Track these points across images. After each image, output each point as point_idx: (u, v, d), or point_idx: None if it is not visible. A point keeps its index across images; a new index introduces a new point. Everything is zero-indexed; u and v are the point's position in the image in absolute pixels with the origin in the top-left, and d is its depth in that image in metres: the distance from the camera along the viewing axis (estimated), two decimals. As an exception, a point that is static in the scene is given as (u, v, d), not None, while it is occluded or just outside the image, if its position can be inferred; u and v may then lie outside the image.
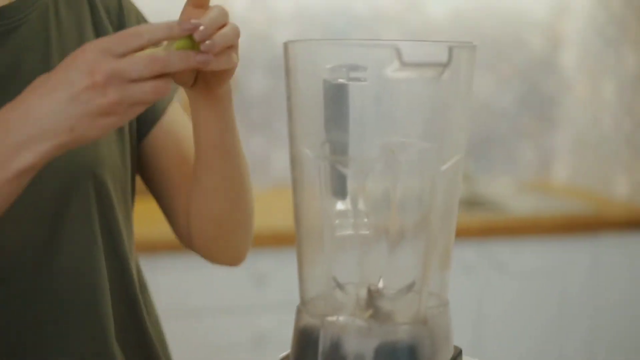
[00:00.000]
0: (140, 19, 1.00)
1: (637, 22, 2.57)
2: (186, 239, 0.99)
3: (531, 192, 2.70)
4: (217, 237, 0.96)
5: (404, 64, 0.64)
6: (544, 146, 2.91)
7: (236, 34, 0.76)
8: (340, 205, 0.76)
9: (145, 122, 0.98)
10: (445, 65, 0.65)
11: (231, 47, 0.76)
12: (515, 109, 2.87)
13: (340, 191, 0.75)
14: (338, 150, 0.73)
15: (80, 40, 0.92)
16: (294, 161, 0.74)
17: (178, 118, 1.00)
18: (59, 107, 0.70)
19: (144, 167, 1.00)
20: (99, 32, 0.95)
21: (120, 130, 0.94)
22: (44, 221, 0.85)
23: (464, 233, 2.31)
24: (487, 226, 2.33)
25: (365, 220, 0.74)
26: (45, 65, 0.89)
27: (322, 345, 0.68)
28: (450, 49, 0.66)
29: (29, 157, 0.71)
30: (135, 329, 0.95)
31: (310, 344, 0.68)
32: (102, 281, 0.89)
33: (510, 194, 2.65)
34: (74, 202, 0.87)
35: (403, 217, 0.73)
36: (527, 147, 2.89)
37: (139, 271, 1.01)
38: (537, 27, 2.84)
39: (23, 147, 0.71)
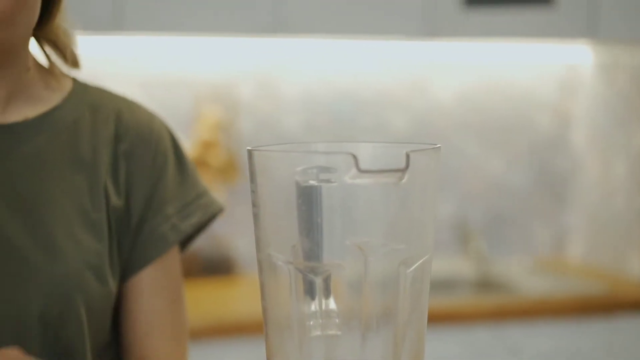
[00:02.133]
0: (169, 174, 0.98)
1: (644, 100, 2.58)
2: None
3: (545, 271, 2.67)
4: None
5: (361, 171, 0.65)
6: (557, 224, 2.89)
7: None
8: (311, 307, 0.76)
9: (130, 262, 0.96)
10: (403, 171, 0.66)
11: None
12: (527, 188, 2.86)
13: (311, 293, 0.75)
14: (308, 252, 0.74)
15: (91, 173, 0.93)
16: (262, 266, 0.74)
17: (149, 293, 0.97)
18: None
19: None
20: (114, 172, 0.95)
21: (100, 238, 0.92)
22: None
23: (477, 316, 2.29)
24: (500, 309, 2.31)
25: (337, 320, 0.74)
26: (34, 188, 0.89)
27: None
28: (408, 156, 0.66)
29: None
30: None
31: None
32: None
33: (523, 274, 2.63)
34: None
35: (373, 316, 0.73)
36: (540, 225, 2.88)
37: None
38: (546, 106, 2.86)
39: None
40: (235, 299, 2.42)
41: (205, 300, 2.29)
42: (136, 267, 0.96)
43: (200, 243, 2.50)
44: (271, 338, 0.74)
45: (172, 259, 0.98)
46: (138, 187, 0.95)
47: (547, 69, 2.85)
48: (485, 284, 2.60)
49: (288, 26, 2.32)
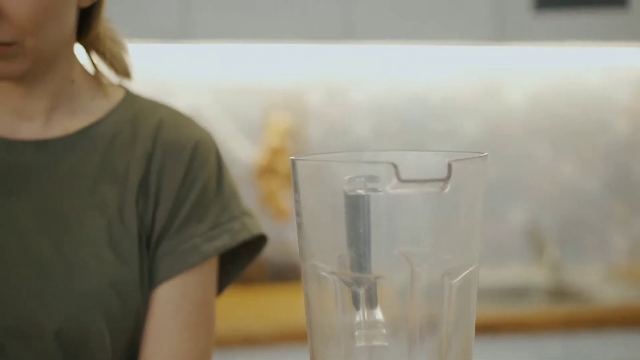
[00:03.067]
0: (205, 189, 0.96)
1: None
2: None
3: (620, 280, 2.60)
4: None
5: (402, 181, 0.64)
6: (633, 231, 2.81)
7: None
8: (357, 317, 0.75)
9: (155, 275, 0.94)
10: (445, 181, 0.65)
11: None
12: (601, 194, 2.79)
13: (356, 303, 0.75)
14: (354, 262, 0.73)
15: (123, 189, 0.92)
16: (306, 276, 0.74)
17: (166, 307, 0.93)
18: None
19: None
20: (146, 188, 0.94)
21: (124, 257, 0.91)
22: None
23: (549, 326, 2.24)
24: (573, 318, 2.25)
25: (384, 331, 0.74)
26: (65, 204, 0.90)
27: None
28: (450, 165, 0.65)
29: None
30: None
31: None
32: None
33: (598, 283, 2.57)
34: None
35: (418, 326, 0.73)
36: (616, 232, 2.80)
37: None
38: (620, 110, 2.79)
39: None
40: (302, 305, 2.42)
41: (272, 307, 2.30)
42: (152, 284, 0.93)
43: (268, 250, 2.51)
44: (316, 349, 0.73)
45: (195, 280, 0.93)
46: (164, 202, 0.93)
47: (621, 71, 2.78)
48: (558, 293, 2.54)
49: (357, 32, 2.32)
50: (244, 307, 2.32)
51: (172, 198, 0.93)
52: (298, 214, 0.74)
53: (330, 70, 2.63)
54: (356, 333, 0.72)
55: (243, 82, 2.57)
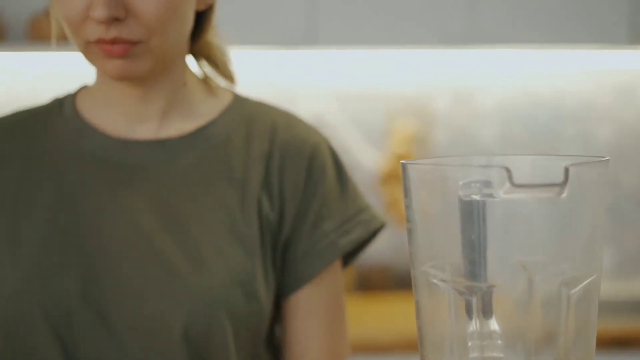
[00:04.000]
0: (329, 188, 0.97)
1: None
2: None
3: None
4: None
5: (515, 185, 0.62)
6: None
7: None
8: (471, 327, 0.73)
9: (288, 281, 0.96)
10: (561, 186, 0.62)
11: None
12: None
13: (470, 312, 0.72)
14: (468, 270, 0.71)
15: (243, 189, 0.94)
16: (417, 283, 0.72)
17: (309, 310, 0.96)
18: None
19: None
20: (268, 187, 0.95)
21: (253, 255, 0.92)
22: None
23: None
24: None
25: (499, 342, 0.71)
26: (185, 203, 0.92)
27: None
28: (567, 170, 0.62)
29: None
30: None
31: None
32: None
33: None
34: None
35: (536, 338, 0.70)
36: None
37: None
38: None
39: None
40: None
41: (395, 315, 2.28)
42: (292, 287, 0.95)
43: (392, 257, 2.49)
44: (427, 357, 0.71)
45: (331, 278, 0.96)
46: (291, 202, 0.94)
47: None
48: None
49: (482, 36, 2.28)
50: (367, 315, 2.31)
51: (298, 198, 0.94)
52: (409, 220, 0.72)
53: (457, 75, 2.59)
54: (469, 343, 0.70)
55: (367, 88, 2.57)
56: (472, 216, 0.69)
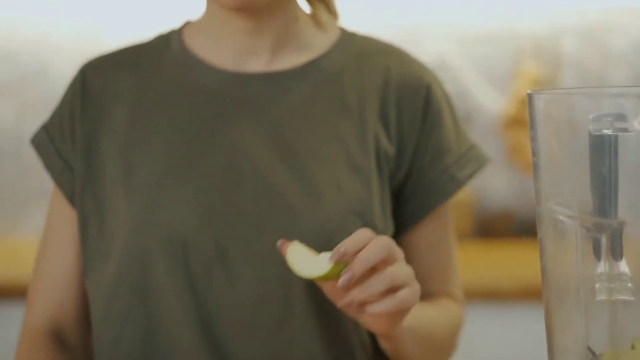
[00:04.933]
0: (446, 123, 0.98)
1: None
2: None
3: None
4: None
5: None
6: None
7: (381, 255, 0.77)
8: (599, 268, 0.70)
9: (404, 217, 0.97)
10: None
11: (393, 288, 0.77)
12: None
13: (598, 252, 0.69)
14: (598, 207, 0.67)
15: (358, 121, 0.94)
16: (542, 220, 0.69)
17: (428, 242, 0.98)
18: None
19: None
20: (385, 120, 0.95)
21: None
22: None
23: None
24: None
25: (629, 284, 0.68)
26: (300, 135, 0.91)
27: None
28: None
29: None
30: None
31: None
32: None
33: None
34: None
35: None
36: None
37: None
38: None
39: None
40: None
41: (516, 262, 2.25)
42: (410, 221, 0.96)
43: (514, 203, 2.44)
44: (551, 301, 0.68)
45: (446, 213, 0.99)
46: (410, 137, 0.95)
47: None
48: None
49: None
50: (487, 261, 2.29)
51: (416, 133, 0.95)
52: (534, 154, 0.69)
53: (587, 14, 2.49)
54: (597, 285, 0.67)
55: (492, 29, 2.50)
56: (603, 151, 0.65)
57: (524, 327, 2.07)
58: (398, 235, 0.96)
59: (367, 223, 0.91)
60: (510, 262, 2.24)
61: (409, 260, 0.92)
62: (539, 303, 2.16)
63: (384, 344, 0.89)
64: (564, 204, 0.68)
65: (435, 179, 0.96)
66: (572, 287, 0.69)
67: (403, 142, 0.95)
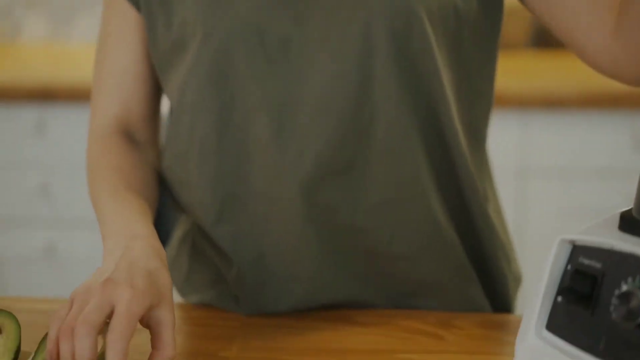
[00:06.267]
0: None
1: None
2: (607, 63, 0.93)
3: None
4: None
5: None
6: None
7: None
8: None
9: None
10: None
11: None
12: None
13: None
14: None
15: None
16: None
17: None
18: None
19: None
20: None
21: None
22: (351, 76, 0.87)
23: None
24: None
25: None
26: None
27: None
28: None
29: None
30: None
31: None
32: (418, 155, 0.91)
33: None
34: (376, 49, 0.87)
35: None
36: None
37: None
38: None
39: None
40: (566, 72, 2.31)
41: (576, 71, 2.23)
42: None
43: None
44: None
45: None
46: None
47: None
48: None
49: None
50: (545, 70, 2.29)
51: None
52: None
53: None
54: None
55: None
56: None
57: (582, 133, 2.10)
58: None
59: None
60: (568, 70, 2.24)
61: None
62: (597, 110, 2.17)
63: None
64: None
65: None
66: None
67: None
